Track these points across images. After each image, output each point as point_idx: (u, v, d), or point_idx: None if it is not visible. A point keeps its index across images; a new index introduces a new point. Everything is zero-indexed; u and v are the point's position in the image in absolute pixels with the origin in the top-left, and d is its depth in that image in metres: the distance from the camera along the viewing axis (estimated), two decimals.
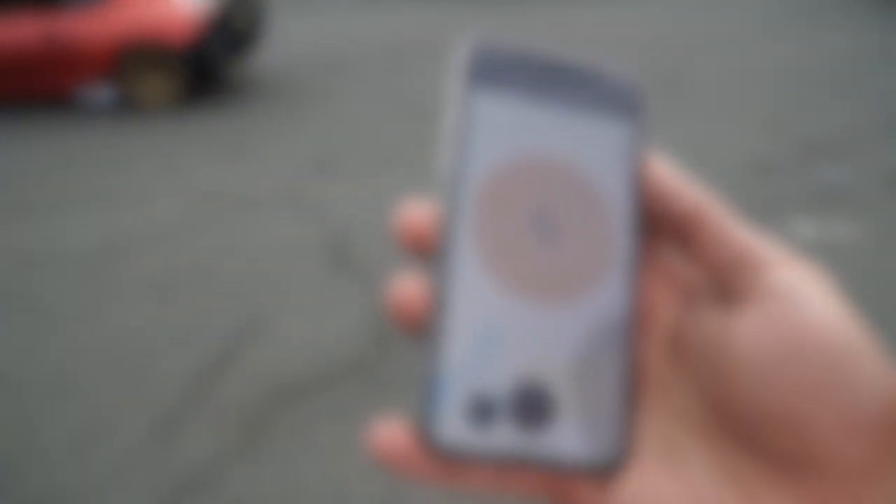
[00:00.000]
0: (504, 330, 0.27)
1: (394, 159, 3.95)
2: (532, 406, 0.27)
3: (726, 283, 0.29)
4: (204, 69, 5.55)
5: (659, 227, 0.31)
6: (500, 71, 0.30)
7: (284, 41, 7.19)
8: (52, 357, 2.38)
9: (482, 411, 0.26)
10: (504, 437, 0.26)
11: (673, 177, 0.30)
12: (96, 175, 4.13)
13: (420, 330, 0.28)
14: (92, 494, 1.79)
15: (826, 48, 6.29)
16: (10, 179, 4.12)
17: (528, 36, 7.13)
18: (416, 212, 0.28)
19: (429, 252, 0.28)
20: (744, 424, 0.27)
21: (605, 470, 0.27)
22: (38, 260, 3.11)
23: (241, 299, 2.70)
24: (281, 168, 4.09)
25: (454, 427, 0.26)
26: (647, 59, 5.99)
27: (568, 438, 0.27)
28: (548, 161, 0.29)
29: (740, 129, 4.33)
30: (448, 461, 0.27)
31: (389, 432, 0.27)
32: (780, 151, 3.95)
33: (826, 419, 0.25)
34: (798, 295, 0.27)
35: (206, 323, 2.55)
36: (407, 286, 0.28)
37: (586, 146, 0.30)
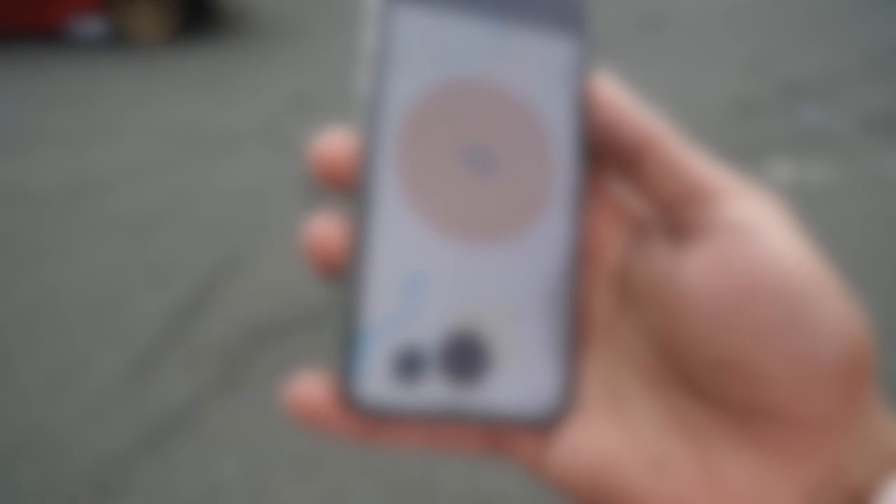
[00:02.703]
0: (432, 274, 0.25)
1: None
2: (465, 356, 0.25)
3: (677, 217, 0.26)
4: (195, 2, 5.38)
5: (606, 156, 0.28)
6: None
7: None
8: (26, 296, 2.35)
9: (409, 365, 0.24)
10: (435, 392, 0.24)
11: (621, 101, 0.27)
12: (77, 112, 4.02)
13: (339, 276, 0.25)
14: (69, 433, 1.79)
15: None
16: None
17: None
18: (334, 143, 0.25)
19: (347, 189, 0.25)
20: (694, 371, 0.25)
21: (546, 422, 0.25)
22: (10, 197, 3.04)
23: (218, 237, 2.67)
24: (257, 104, 4.01)
25: (378, 384, 0.24)
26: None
27: (505, 390, 0.25)
28: (479, 84, 0.26)
29: (719, 71, 4.30)
30: (373, 420, 0.24)
31: (308, 388, 0.25)
32: (759, 94, 3.93)
33: (782, 365, 0.23)
34: (752, 229, 0.24)
35: (182, 261, 2.52)
36: (322, 227, 0.25)
37: (523, 67, 0.27)
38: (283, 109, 3.90)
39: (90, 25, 5.28)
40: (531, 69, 0.27)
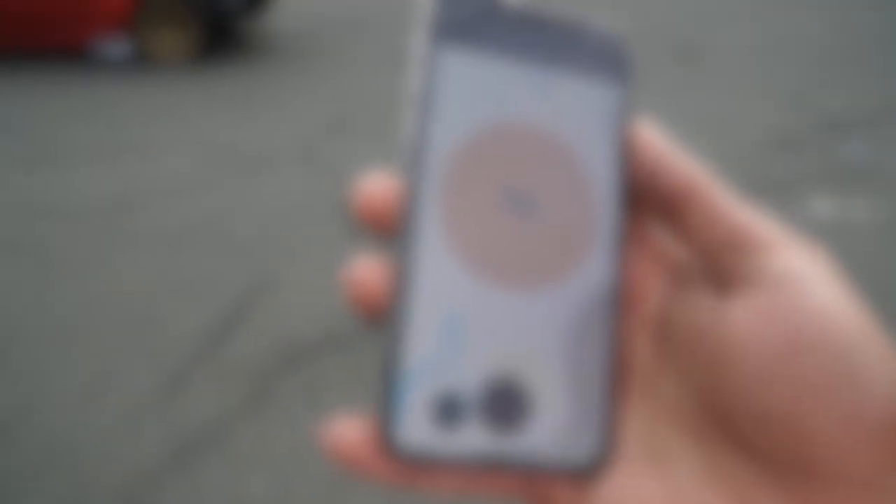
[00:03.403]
0: (473, 318, 0.24)
1: None
2: (505, 403, 0.24)
3: (720, 266, 0.26)
4: (219, 24, 5.53)
5: (647, 202, 0.27)
6: (471, 25, 0.26)
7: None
8: (63, 308, 2.39)
9: (449, 410, 0.24)
10: (474, 438, 0.24)
11: (663, 146, 0.27)
12: (109, 128, 4.12)
13: (380, 318, 0.25)
14: (101, 446, 1.81)
15: (850, 22, 6.17)
16: (24, 131, 4.11)
17: None
18: (377, 186, 0.25)
19: (390, 231, 0.25)
20: (737, 423, 0.25)
21: (586, 471, 0.25)
22: (49, 211, 3.11)
23: (251, 257, 2.70)
24: (294, 126, 4.07)
25: (418, 429, 0.23)
26: (659, 28, 5.90)
27: (545, 438, 0.25)
28: (523, 128, 0.26)
29: (759, 104, 4.27)
30: (411, 465, 0.24)
31: (345, 430, 0.24)
32: (800, 127, 3.89)
33: (828, 420, 0.23)
34: (799, 281, 0.24)
35: (216, 279, 2.55)
36: (365, 270, 0.25)
37: (567, 111, 0.27)
38: (320, 132, 3.95)
39: (115, 45, 5.43)
40: (574, 114, 0.27)
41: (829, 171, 3.31)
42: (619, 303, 0.26)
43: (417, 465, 0.24)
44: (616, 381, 0.26)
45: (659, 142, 0.27)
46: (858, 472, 0.23)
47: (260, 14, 6.01)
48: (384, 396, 0.24)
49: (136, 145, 3.85)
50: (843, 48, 5.44)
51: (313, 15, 6.71)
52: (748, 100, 4.35)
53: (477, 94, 0.26)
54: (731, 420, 0.25)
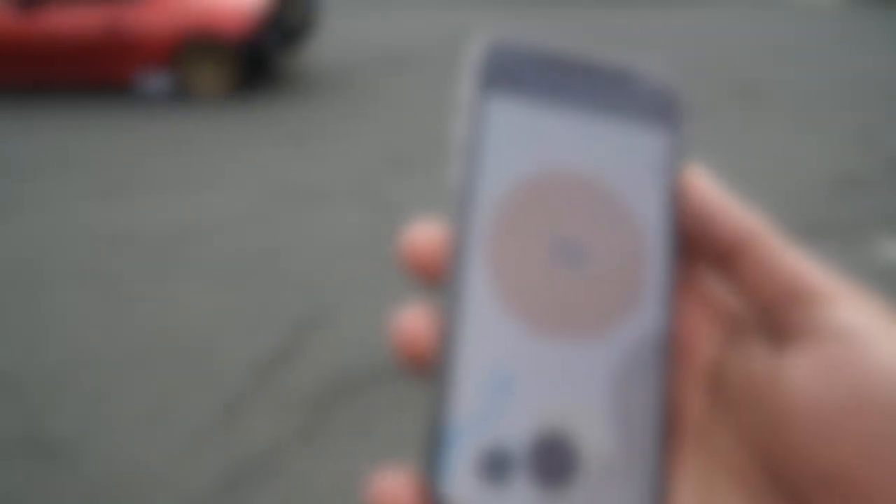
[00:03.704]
0: (521, 371, 0.24)
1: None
2: (554, 459, 0.23)
3: (777, 318, 0.25)
4: (257, 61, 5.73)
5: (700, 251, 0.27)
6: (518, 73, 0.26)
7: (338, 36, 7.26)
8: (126, 336, 2.46)
9: (497, 466, 0.23)
10: (522, 495, 0.23)
11: (717, 195, 0.26)
12: (168, 160, 4.26)
13: (426, 369, 0.24)
14: (157, 472, 1.84)
15: None
16: (89, 162, 4.27)
17: (573, 37, 6.98)
18: (425, 233, 0.25)
19: (437, 280, 0.25)
20: (793, 482, 0.23)
21: None
22: (117, 242, 3.21)
23: (306, 290, 2.73)
24: (348, 161, 4.13)
25: (465, 485, 0.23)
26: (720, 66, 5.84)
27: (595, 495, 0.24)
28: (571, 176, 0.26)
29: (823, 143, 4.18)
30: None
31: (391, 485, 0.24)
32: (868, 168, 3.79)
33: (890, 485, 0.22)
34: (860, 335, 0.23)
35: (271, 311, 2.60)
36: (412, 319, 0.24)
37: (616, 158, 0.26)
38: (374, 167, 4.01)
39: (156, 80, 5.65)
40: (623, 161, 0.26)
41: (894, 213, 3.21)
42: (671, 354, 0.25)
43: None
44: (668, 435, 0.25)
45: (712, 190, 0.26)
46: None
47: (296, 52, 6.18)
48: (430, 452, 0.23)
49: (193, 178, 3.97)
50: None
51: (343, 53, 6.85)
52: (812, 139, 4.26)
53: (524, 142, 0.26)
54: (788, 478, 0.24)
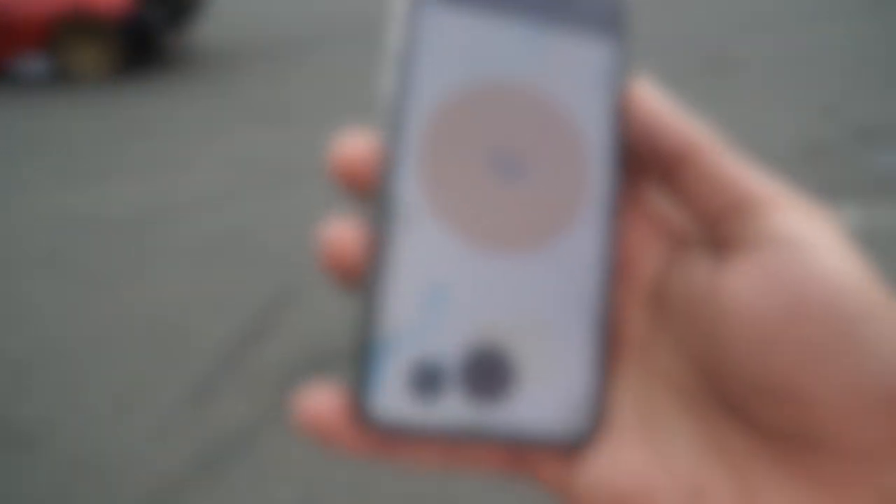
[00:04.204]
0: (455, 285, 0.23)
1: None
2: (487, 373, 0.23)
3: (720, 230, 0.24)
4: (141, 40, 5.45)
5: (644, 165, 0.26)
6: None
7: (227, 14, 7.10)
8: (96, 320, 2.43)
9: (428, 381, 0.23)
10: (454, 409, 0.23)
11: (661, 107, 0.25)
12: (123, 144, 4.18)
13: (354, 282, 0.24)
14: (129, 456, 1.83)
15: (880, 33, 6.09)
16: (55, 147, 4.18)
17: None
18: (354, 145, 0.24)
19: (368, 192, 0.24)
20: (736, 394, 0.23)
21: (573, 444, 0.24)
22: (82, 225, 3.16)
23: (276, 267, 2.71)
24: (312, 138, 4.10)
25: (394, 399, 0.22)
26: (689, 36, 5.86)
27: (530, 409, 0.23)
28: (510, 86, 0.25)
29: (791, 112, 4.23)
30: (387, 437, 0.23)
31: (320, 401, 0.23)
32: (831, 137, 3.84)
33: (831, 389, 0.21)
34: (801, 243, 0.23)
35: (242, 290, 2.58)
36: (340, 232, 0.24)
37: (557, 69, 0.25)
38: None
39: (33, 63, 5.44)
40: (565, 73, 0.25)
41: (859, 181, 3.26)
42: (612, 270, 0.25)
43: (393, 437, 0.23)
44: (607, 351, 0.25)
45: (657, 102, 0.25)
46: (863, 444, 0.22)
47: (186, 29, 5.86)
48: (359, 365, 0.22)
49: (151, 160, 3.90)
50: (872, 59, 5.37)
51: (234, 31, 6.67)
52: (777, 110, 4.30)
53: (461, 51, 0.24)
54: (729, 389, 0.23)
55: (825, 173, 3.37)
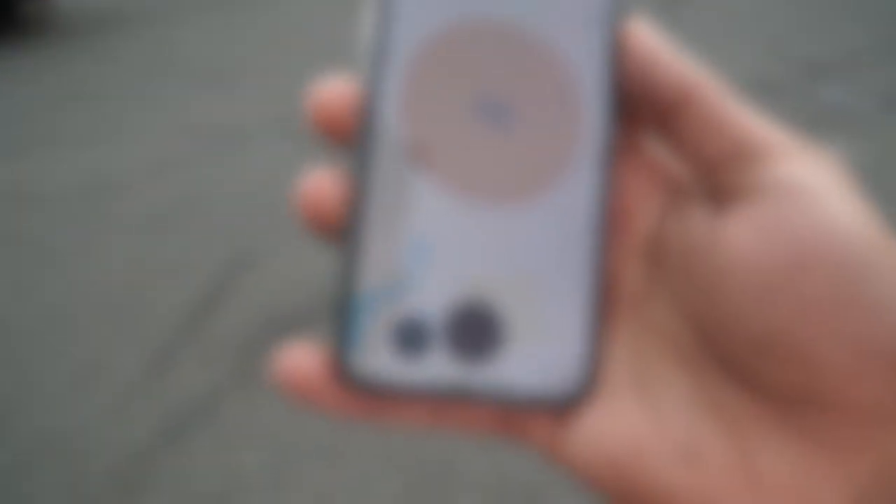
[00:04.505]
0: (440, 238, 0.22)
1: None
2: (474, 330, 0.22)
3: (720, 179, 0.23)
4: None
5: (641, 110, 0.25)
6: None
7: None
8: (46, 296, 2.37)
9: (412, 337, 0.22)
10: (439, 367, 0.22)
11: (658, 49, 0.24)
12: (48, 113, 4.05)
13: (336, 237, 0.23)
14: (91, 431, 1.80)
15: None
16: None
17: None
18: (333, 91, 0.23)
19: (347, 141, 0.23)
20: (733, 350, 0.22)
21: (564, 404, 0.23)
22: (26, 199, 3.07)
23: (230, 234, 2.68)
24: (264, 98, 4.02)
25: (376, 357, 0.22)
26: None
27: (519, 367, 0.22)
28: (497, 28, 0.23)
29: (740, 51, 4.25)
30: (369, 396, 0.22)
31: (298, 359, 0.23)
32: (780, 73, 3.88)
33: (833, 344, 0.20)
34: (805, 192, 0.22)
35: (197, 258, 2.54)
36: (319, 182, 0.23)
37: (548, 9, 0.24)
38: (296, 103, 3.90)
39: None
40: (556, 11, 0.24)
41: (808, 115, 3.30)
42: (607, 222, 0.24)
43: (376, 396, 0.22)
44: (601, 306, 0.23)
45: (654, 43, 0.24)
46: (866, 402, 0.21)
47: None
48: (339, 322, 0.22)
49: (110, 129, 3.79)
50: None
51: None
52: (726, 47, 4.32)
53: None
54: (726, 345, 0.22)
55: (773, 110, 3.39)
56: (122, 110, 4.04)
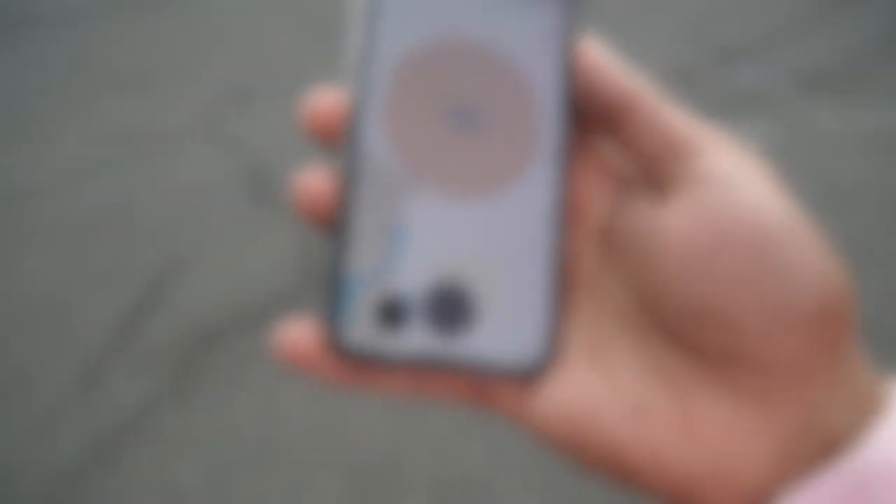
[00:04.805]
0: (418, 226, 0.26)
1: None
2: (448, 306, 0.26)
3: (658, 173, 0.27)
4: None
5: (593, 114, 0.29)
6: None
7: None
8: None
9: (394, 313, 0.25)
10: (418, 340, 0.25)
11: (605, 61, 0.28)
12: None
13: (327, 226, 0.26)
14: (18, 454, 1.74)
15: None
16: None
17: None
18: (326, 99, 0.27)
19: (337, 143, 0.27)
20: (672, 320, 0.26)
21: (529, 373, 0.26)
22: None
23: (159, 241, 2.62)
24: (189, 97, 3.92)
25: (363, 331, 0.25)
26: None
27: (488, 340, 0.26)
28: (468, 44, 0.27)
29: (657, 38, 4.34)
30: (358, 366, 0.26)
31: (299, 333, 0.26)
32: (695, 59, 3.98)
33: (756, 311, 0.24)
34: (728, 180, 0.25)
35: (124, 266, 2.47)
36: (313, 179, 0.26)
37: (509, 26, 0.28)
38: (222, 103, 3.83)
39: None
40: (518, 31, 0.28)
41: (723, 101, 3.41)
42: (564, 212, 0.27)
43: (363, 365, 0.26)
44: (560, 287, 0.27)
45: (600, 55, 0.28)
46: (786, 360, 0.24)
47: None
48: (331, 300, 0.25)
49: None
50: None
51: None
52: (645, 33, 4.41)
53: (421, 9, 0.27)
54: (666, 316, 0.26)
55: (690, 96, 3.49)
56: (40, 115, 3.89)
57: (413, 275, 0.26)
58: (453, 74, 0.27)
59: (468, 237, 0.26)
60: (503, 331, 0.26)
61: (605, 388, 0.26)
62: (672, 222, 0.26)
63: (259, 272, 2.33)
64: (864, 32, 4.09)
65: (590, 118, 0.29)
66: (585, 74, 0.28)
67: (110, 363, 1.99)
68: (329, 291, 0.25)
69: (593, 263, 0.28)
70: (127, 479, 1.65)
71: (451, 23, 0.27)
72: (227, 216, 2.71)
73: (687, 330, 0.25)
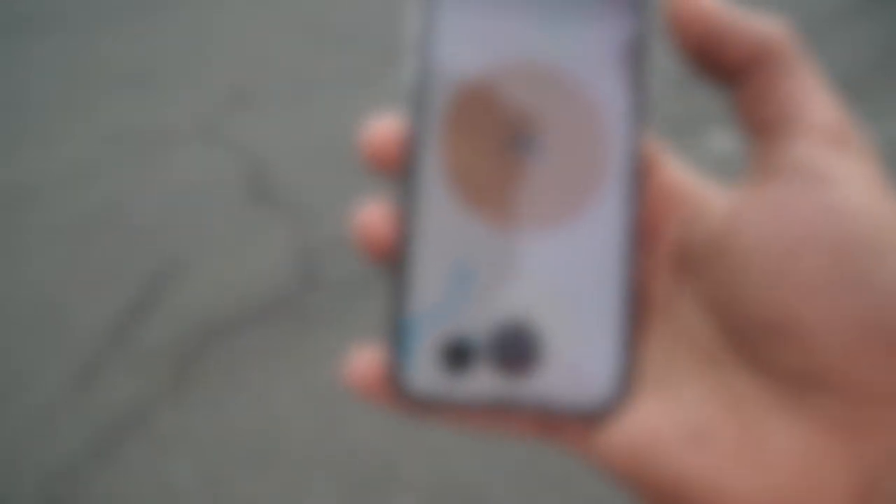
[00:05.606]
0: (482, 263, 0.25)
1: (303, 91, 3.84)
2: (516, 347, 0.24)
3: (760, 149, 0.24)
4: None
5: (728, 63, 0.26)
6: None
7: None
8: None
9: (459, 355, 0.24)
10: (485, 382, 0.24)
11: (730, 9, 0.25)
12: None
13: (388, 262, 0.25)
14: (13, 451, 1.74)
15: None
16: None
17: None
18: (382, 128, 0.25)
19: (395, 173, 0.25)
20: (745, 335, 0.23)
21: (600, 413, 0.24)
22: None
23: (157, 239, 2.62)
24: (189, 100, 3.93)
25: (427, 375, 0.24)
26: None
27: (558, 380, 0.25)
28: (529, 66, 0.25)
29: (665, 43, 4.35)
30: (422, 408, 0.25)
31: (367, 363, 0.25)
32: None
33: (838, 327, 0.21)
34: (824, 175, 0.22)
35: (122, 266, 2.47)
36: (372, 213, 0.25)
37: (574, 43, 0.26)
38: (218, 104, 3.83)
39: None
40: (582, 46, 0.26)
41: (725, 106, 3.40)
42: (637, 239, 0.25)
43: (428, 408, 0.25)
44: (634, 320, 0.25)
45: (721, 7, 0.25)
46: (870, 383, 0.21)
47: None
48: (393, 343, 0.24)
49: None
50: None
51: None
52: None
53: (478, 33, 0.25)
54: (739, 331, 0.23)
55: (690, 101, 3.51)
56: (40, 116, 3.90)
57: (478, 314, 0.24)
58: (516, 98, 0.25)
59: (535, 272, 0.25)
60: (574, 370, 0.25)
61: (667, 414, 0.24)
62: (752, 221, 0.23)
63: (257, 272, 2.33)
64: (872, 44, 4.09)
65: (724, 67, 0.26)
66: (706, 21, 0.25)
67: (109, 362, 2.00)
68: (391, 333, 0.24)
69: (667, 286, 0.26)
70: (124, 478, 1.66)
71: (511, 43, 0.25)
72: (226, 216, 2.72)
73: (760, 345, 0.23)
